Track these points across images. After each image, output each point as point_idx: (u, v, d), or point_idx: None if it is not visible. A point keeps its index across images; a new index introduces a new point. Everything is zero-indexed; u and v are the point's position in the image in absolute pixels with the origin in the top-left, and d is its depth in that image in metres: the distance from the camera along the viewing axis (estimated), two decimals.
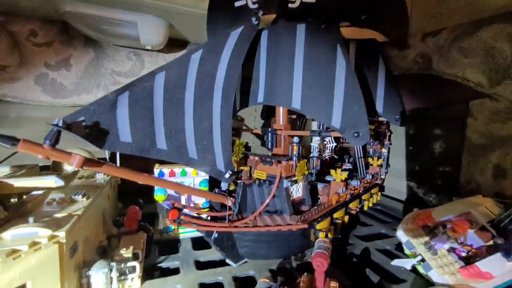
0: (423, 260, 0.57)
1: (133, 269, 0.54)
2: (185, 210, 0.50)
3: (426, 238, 0.59)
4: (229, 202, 0.57)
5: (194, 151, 0.51)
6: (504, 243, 0.53)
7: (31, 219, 0.43)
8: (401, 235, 0.62)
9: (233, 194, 0.60)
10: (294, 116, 0.93)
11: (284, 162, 0.59)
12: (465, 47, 0.88)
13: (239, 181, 0.59)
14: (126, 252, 0.55)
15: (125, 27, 0.99)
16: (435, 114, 1.08)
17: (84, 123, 0.38)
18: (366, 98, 0.82)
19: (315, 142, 0.91)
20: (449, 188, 1.02)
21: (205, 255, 0.68)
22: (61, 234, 0.42)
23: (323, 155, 0.90)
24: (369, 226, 0.90)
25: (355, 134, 0.52)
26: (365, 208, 0.94)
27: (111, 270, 0.50)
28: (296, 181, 0.61)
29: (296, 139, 0.60)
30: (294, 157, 0.60)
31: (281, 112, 0.68)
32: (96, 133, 0.39)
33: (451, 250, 0.59)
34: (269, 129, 0.66)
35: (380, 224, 0.94)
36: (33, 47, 1.00)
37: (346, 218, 0.79)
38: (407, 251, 0.62)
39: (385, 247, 0.76)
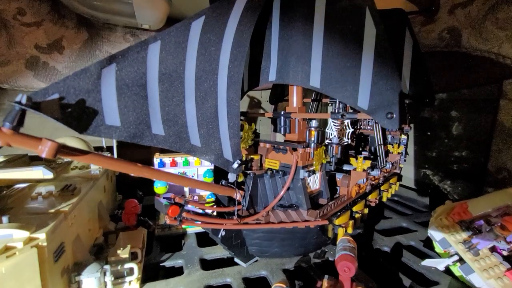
0: (460, 260, 0.50)
1: (130, 271, 0.48)
2: (188, 206, 0.43)
3: (465, 236, 0.51)
4: (237, 195, 0.50)
5: (196, 137, 0.43)
6: None
7: (5, 218, 0.36)
8: (434, 232, 0.54)
9: (242, 187, 0.53)
10: (307, 100, 0.84)
11: (300, 150, 0.51)
12: (502, 18, 0.77)
13: (249, 172, 0.51)
14: (123, 252, 0.49)
15: (119, 3, 0.90)
16: (458, 96, 0.98)
17: (58, 102, 0.30)
18: None
19: (331, 128, 0.83)
20: (469, 175, 0.94)
21: (211, 253, 0.62)
22: (41, 236, 0.36)
23: (341, 141, 0.82)
24: (388, 219, 0.83)
25: (389, 115, 0.43)
26: (384, 199, 0.87)
27: (104, 274, 0.44)
28: (314, 171, 0.53)
29: (314, 123, 0.52)
30: (312, 144, 0.52)
31: (294, 93, 0.60)
32: (75, 115, 0.31)
33: (493, 249, 0.52)
34: (282, 112, 0.57)
35: (399, 216, 0.86)
36: (21, 27, 0.92)
37: (366, 210, 0.71)
38: (439, 250, 0.54)
39: (409, 243, 0.69)
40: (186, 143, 0.42)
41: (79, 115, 0.32)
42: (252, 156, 0.53)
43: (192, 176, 0.76)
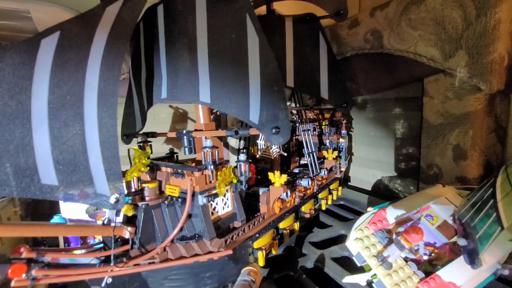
0: (375, 275, 0.47)
1: None
2: (45, 258, 0.36)
3: (380, 247, 0.49)
4: (126, 233, 0.43)
5: (51, 173, 0.36)
6: (466, 245, 0.44)
7: None
8: (351, 245, 0.51)
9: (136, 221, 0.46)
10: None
11: (196, 173, 0.45)
12: (414, 19, 0.79)
13: (140, 204, 0.45)
14: None
15: (17, 19, 0.81)
16: (394, 95, 0.99)
17: None
18: (310, 82, 0.71)
19: (261, 138, 0.79)
20: (414, 173, 0.95)
21: None
22: None
23: (271, 153, 0.78)
24: (327, 227, 0.80)
25: (274, 130, 0.39)
26: (323, 207, 0.84)
27: None
28: (216, 195, 0.48)
29: (209, 143, 0.47)
30: (209, 166, 0.46)
31: (200, 108, 0.55)
32: None
33: (409, 258, 0.50)
34: (184, 131, 0.52)
35: (341, 223, 0.84)
36: None
37: (297, 225, 0.68)
38: (360, 264, 0.51)
39: (343, 254, 0.66)
40: (34, 185, 0.35)
41: None
42: (145, 185, 0.47)
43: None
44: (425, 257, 0.52)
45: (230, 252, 0.45)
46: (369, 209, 0.58)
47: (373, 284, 0.47)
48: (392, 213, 0.54)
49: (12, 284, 0.33)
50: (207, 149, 0.46)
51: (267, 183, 0.63)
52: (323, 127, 0.95)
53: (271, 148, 0.78)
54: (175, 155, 0.63)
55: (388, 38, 0.86)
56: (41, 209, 0.73)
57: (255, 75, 0.43)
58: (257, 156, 0.81)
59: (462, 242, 0.45)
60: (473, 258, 0.42)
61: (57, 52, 0.39)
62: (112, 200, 0.39)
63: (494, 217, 0.42)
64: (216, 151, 0.48)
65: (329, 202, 0.87)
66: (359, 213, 0.93)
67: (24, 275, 0.33)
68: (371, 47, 0.93)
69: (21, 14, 0.78)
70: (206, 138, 0.48)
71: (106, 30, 0.42)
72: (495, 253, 0.45)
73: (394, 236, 0.46)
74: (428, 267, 0.49)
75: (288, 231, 0.64)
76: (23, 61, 0.36)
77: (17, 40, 0.93)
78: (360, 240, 0.50)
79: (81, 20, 0.42)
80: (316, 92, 0.69)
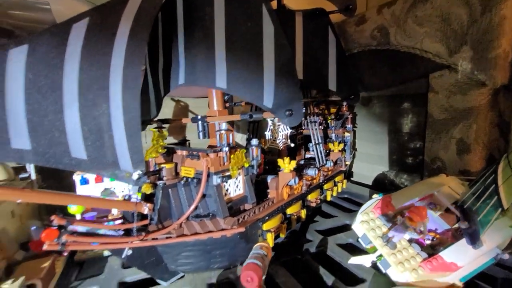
0: (381, 255, 0.49)
1: None
2: (74, 226, 0.38)
3: (384, 230, 0.51)
4: (145, 209, 0.45)
5: (80, 148, 0.39)
6: (468, 227, 0.46)
7: None
8: (357, 227, 0.53)
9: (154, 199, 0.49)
10: (243, 103, 0.82)
11: (212, 155, 0.48)
12: (421, 16, 0.81)
13: (158, 182, 0.48)
14: (11, 287, 0.43)
15: (37, 10, 0.84)
16: (400, 91, 1.01)
17: None
18: (318, 75, 0.73)
19: (269, 130, 0.82)
20: (420, 168, 0.96)
21: (134, 274, 0.56)
22: None
23: (278, 143, 0.81)
24: (332, 217, 0.82)
25: (287, 113, 0.42)
26: (328, 198, 0.86)
27: None
28: (230, 177, 0.51)
29: (224, 125, 0.50)
30: (224, 148, 0.49)
31: (214, 95, 0.57)
32: None
33: (413, 240, 0.52)
34: (199, 117, 0.55)
35: (345, 214, 0.86)
36: None
37: (303, 212, 0.70)
38: (365, 246, 0.53)
39: (348, 241, 0.68)
40: (65, 157, 0.37)
41: None
42: (163, 165, 0.49)
43: (122, 191, 0.71)
44: (428, 242, 0.54)
45: (242, 229, 0.47)
46: (375, 195, 0.61)
47: (378, 264, 0.49)
48: (396, 199, 0.57)
49: (45, 247, 0.36)
50: (223, 131, 0.49)
51: (275, 171, 0.65)
52: (329, 121, 0.98)
53: (278, 139, 0.81)
54: (187, 142, 0.66)
55: (395, 34, 0.88)
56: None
57: (269, 62, 0.45)
58: (265, 148, 0.83)
59: (463, 225, 0.47)
60: (474, 239, 0.44)
61: (86, 37, 0.41)
62: (135, 176, 0.42)
63: (495, 200, 0.45)
64: (231, 134, 0.50)
65: (334, 193, 0.89)
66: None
67: (55, 240, 0.36)
68: (378, 44, 0.95)
69: (41, 6, 0.81)
70: (219, 123, 0.51)
71: (130, 18, 0.45)
72: (496, 237, 0.47)
73: (398, 218, 0.48)
74: (431, 251, 0.51)
75: (295, 216, 0.66)
76: (57, 43, 0.39)
77: (36, 31, 0.96)
78: (365, 223, 0.52)
79: (108, 8, 0.44)
80: (324, 85, 0.72)
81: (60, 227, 0.36)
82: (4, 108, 0.33)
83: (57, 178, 0.76)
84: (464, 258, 0.46)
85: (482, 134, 0.76)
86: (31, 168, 0.77)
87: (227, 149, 0.49)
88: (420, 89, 0.94)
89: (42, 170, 0.81)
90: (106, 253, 0.63)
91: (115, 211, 0.67)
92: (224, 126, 0.50)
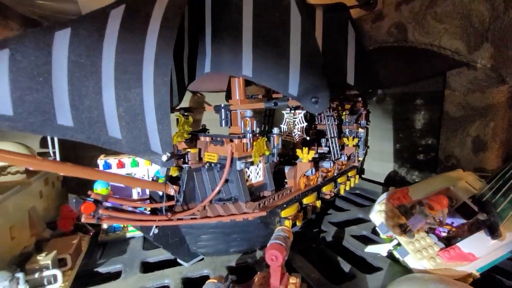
0: (399, 244, 0.50)
1: (54, 278, 0.45)
2: (109, 202, 0.40)
3: (402, 219, 0.52)
4: (171, 190, 0.47)
5: (116, 128, 0.41)
6: (487, 219, 0.47)
7: None
8: (374, 217, 0.54)
9: (179, 182, 0.50)
10: (260, 96, 0.84)
11: (236, 141, 0.50)
12: (440, 12, 0.81)
13: (184, 166, 0.49)
14: (45, 258, 0.45)
15: (64, 2, 0.87)
16: (414, 88, 1.01)
17: None
18: (337, 69, 0.74)
19: (285, 123, 0.83)
20: (432, 165, 0.96)
21: (155, 255, 0.59)
22: None
23: (294, 135, 0.82)
24: (345, 211, 0.83)
25: (313, 100, 0.43)
26: (341, 192, 0.87)
27: (17, 283, 0.40)
28: (252, 163, 0.52)
29: (248, 113, 0.51)
30: (248, 134, 0.51)
31: (236, 85, 0.59)
32: None
33: (430, 231, 0.53)
34: (222, 105, 0.56)
35: (358, 208, 0.87)
36: None
37: (318, 203, 0.71)
38: (382, 235, 0.54)
39: (361, 233, 0.69)
40: (102, 135, 0.39)
41: None
42: (188, 150, 0.51)
43: (143, 176, 0.73)
44: (444, 234, 0.55)
45: (264, 213, 0.49)
46: (391, 188, 0.62)
47: (395, 252, 0.50)
48: (414, 191, 0.57)
49: (82, 219, 0.38)
50: (247, 117, 0.50)
51: (290, 164, 0.67)
52: (343, 117, 0.98)
53: (294, 132, 0.82)
54: (207, 131, 0.68)
55: (412, 31, 0.89)
56: None
57: (295, 52, 0.46)
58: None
59: (482, 216, 0.48)
60: (493, 230, 0.45)
61: (123, 23, 0.43)
62: (164, 158, 0.44)
63: None
64: (254, 122, 0.52)
65: (347, 188, 0.90)
66: (375, 202, 0.96)
67: (92, 213, 0.38)
68: (395, 40, 0.95)
69: None
70: (243, 111, 0.52)
71: (162, 8, 0.47)
72: None
73: (417, 207, 0.49)
74: (447, 243, 0.51)
75: (311, 207, 0.68)
76: (97, 27, 0.41)
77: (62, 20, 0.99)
78: (383, 212, 0.53)
79: None
80: (342, 79, 0.73)
81: (96, 202, 0.38)
82: (51, 87, 0.35)
83: (80, 164, 0.79)
84: (481, 249, 0.47)
85: (500, 132, 0.76)
86: (56, 154, 0.80)
87: (251, 135, 0.50)
88: (434, 87, 0.94)
89: (65, 155, 0.84)
90: (128, 235, 0.66)
91: (135, 195, 0.70)
92: (248, 113, 0.51)
